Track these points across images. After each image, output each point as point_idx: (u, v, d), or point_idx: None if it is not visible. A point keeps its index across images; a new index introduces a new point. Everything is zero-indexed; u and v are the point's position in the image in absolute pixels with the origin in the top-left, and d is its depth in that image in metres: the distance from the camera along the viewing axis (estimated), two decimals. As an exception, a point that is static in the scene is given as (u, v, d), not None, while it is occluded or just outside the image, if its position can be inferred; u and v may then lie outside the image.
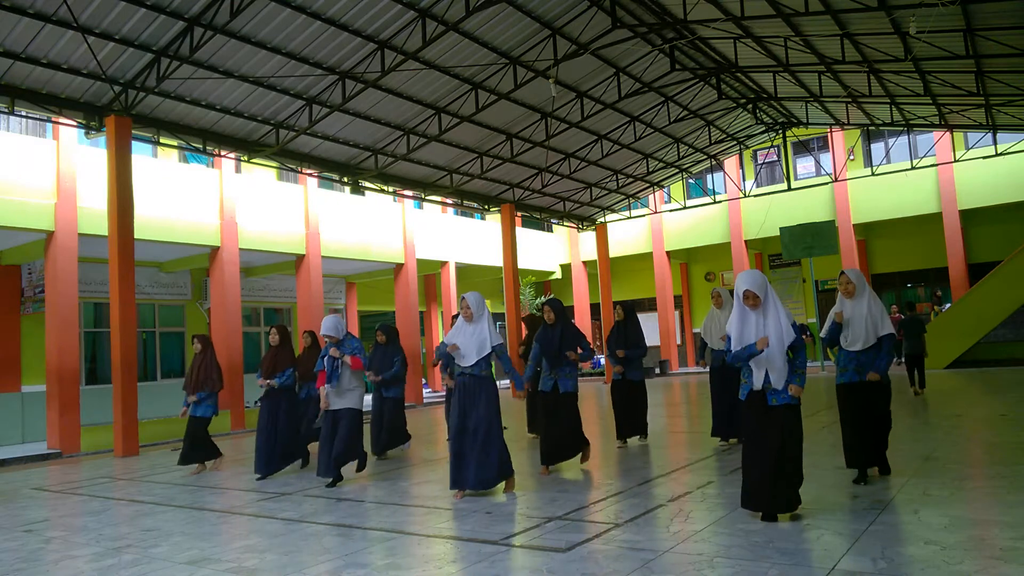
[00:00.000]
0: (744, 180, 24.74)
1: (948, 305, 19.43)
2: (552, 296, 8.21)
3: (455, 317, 10.45)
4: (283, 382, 8.29)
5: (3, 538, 5.71)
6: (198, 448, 8.81)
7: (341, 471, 7.33)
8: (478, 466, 6.17)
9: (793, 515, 4.84)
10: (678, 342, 26.70)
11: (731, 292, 8.46)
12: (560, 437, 7.23)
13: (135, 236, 11.69)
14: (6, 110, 11.11)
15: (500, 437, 6.32)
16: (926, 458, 6.61)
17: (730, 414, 8.08)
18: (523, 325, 9.57)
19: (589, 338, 22.67)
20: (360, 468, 7.62)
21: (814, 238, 19.76)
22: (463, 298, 6.48)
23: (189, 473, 8.75)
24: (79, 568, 4.68)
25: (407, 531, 5.17)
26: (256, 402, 17.44)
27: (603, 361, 23.57)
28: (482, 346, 6.31)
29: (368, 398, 12.54)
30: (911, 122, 19.45)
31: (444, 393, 21.37)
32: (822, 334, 6.11)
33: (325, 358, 7.29)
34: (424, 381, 22.38)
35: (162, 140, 13.53)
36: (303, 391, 9.02)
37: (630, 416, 8.71)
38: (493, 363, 6.54)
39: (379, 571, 4.21)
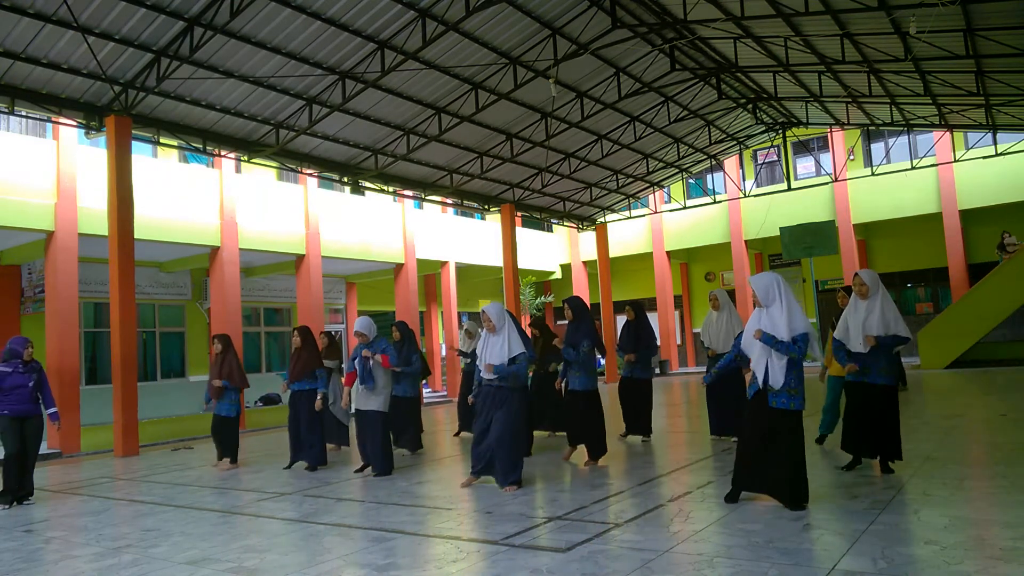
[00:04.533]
0: (744, 180, 24.73)
1: (1019, 246, 19.11)
2: (574, 295, 8.35)
3: (469, 333, 10.59)
4: (317, 385, 8.46)
5: (3, 538, 5.71)
6: (233, 444, 9.00)
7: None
8: (498, 463, 6.37)
9: (795, 513, 4.86)
10: (678, 342, 26.71)
11: (729, 295, 8.69)
12: (573, 425, 7.61)
13: (135, 236, 11.69)
14: (6, 110, 11.11)
15: (516, 444, 6.41)
16: (926, 458, 6.61)
17: (723, 413, 8.48)
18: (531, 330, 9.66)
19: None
20: (379, 474, 7.63)
21: (814, 238, 19.72)
22: (483, 311, 6.60)
23: (224, 467, 8.93)
24: (79, 568, 4.68)
25: (407, 531, 5.17)
26: (256, 402, 17.53)
27: (603, 361, 23.57)
28: (503, 358, 6.41)
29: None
30: (911, 122, 19.45)
31: (443, 392, 21.38)
32: (835, 335, 6.26)
33: (356, 360, 7.54)
34: (424, 381, 22.34)
35: (162, 140, 13.53)
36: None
37: (634, 413, 8.97)
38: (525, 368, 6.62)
39: (379, 571, 4.22)
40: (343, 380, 7.97)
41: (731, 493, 5.32)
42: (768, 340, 5.00)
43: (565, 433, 9.63)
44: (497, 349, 6.46)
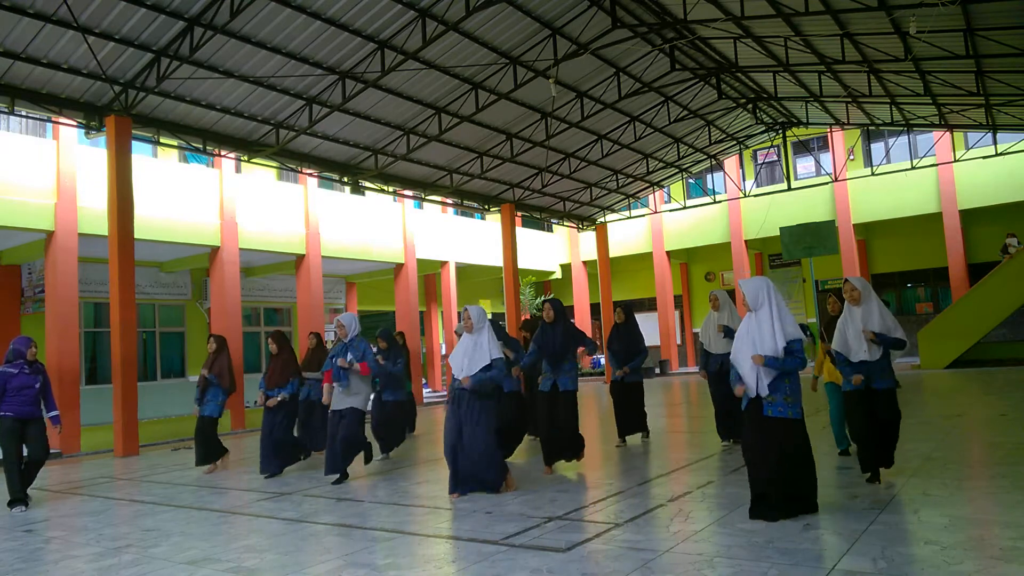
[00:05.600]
0: (744, 180, 24.73)
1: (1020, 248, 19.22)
2: (551, 296, 8.30)
3: (458, 334, 10.53)
4: (291, 393, 8.32)
5: (3, 538, 5.71)
6: (211, 447, 8.78)
7: (347, 470, 7.44)
8: (475, 474, 6.23)
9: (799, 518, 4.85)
10: (678, 342, 26.70)
11: (729, 294, 8.59)
12: (560, 437, 7.26)
13: (135, 236, 11.69)
14: (6, 110, 11.11)
15: (497, 453, 6.33)
16: (926, 458, 6.61)
17: (729, 415, 8.21)
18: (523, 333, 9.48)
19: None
20: (367, 460, 7.60)
21: (814, 238, 19.72)
22: (466, 309, 6.54)
23: (204, 472, 8.75)
24: (79, 568, 4.68)
25: (407, 531, 5.17)
26: (255, 402, 17.51)
27: (603, 361, 23.56)
28: (481, 360, 6.32)
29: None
30: (911, 122, 19.44)
31: (444, 392, 21.37)
32: (834, 347, 6.06)
33: (334, 359, 7.41)
34: (424, 381, 22.38)
35: (162, 140, 13.53)
36: (304, 391, 9.03)
37: (629, 416, 8.87)
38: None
39: (379, 571, 4.22)
40: (322, 380, 7.81)
41: (760, 511, 4.88)
42: (773, 363, 4.83)
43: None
44: (472, 351, 6.37)
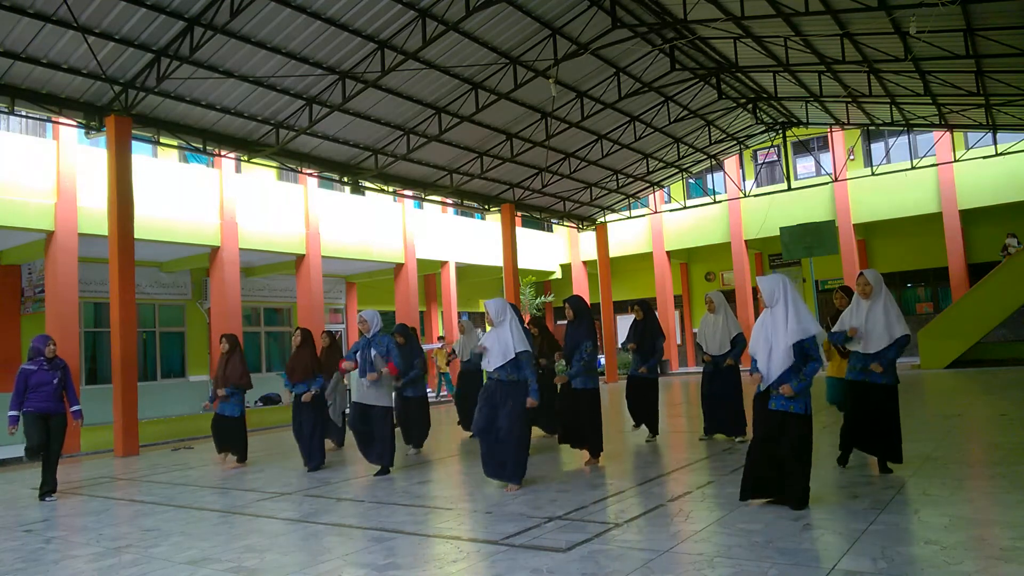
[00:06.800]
0: (744, 180, 24.73)
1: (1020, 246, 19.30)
2: (550, 295, 8.43)
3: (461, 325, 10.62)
4: (320, 387, 8.45)
5: (3, 538, 5.71)
6: (236, 442, 9.03)
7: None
8: (498, 459, 6.39)
9: (795, 513, 4.86)
10: (678, 342, 26.71)
11: (727, 295, 8.69)
12: (571, 424, 7.57)
13: (135, 236, 11.69)
14: (6, 110, 11.11)
15: (521, 442, 6.41)
16: (926, 458, 6.60)
17: (714, 413, 8.56)
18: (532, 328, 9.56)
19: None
20: (382, 472, 7.64)
21: (814, 238, 19.71)
22: (485, 305, 6.67)
23: (229, 466, 8.97)
24: (79, 568, 4.68)
25: (407, 531, 5.17)
26: (256, 402, 17.54)
27: (603, 361, 23.57)
28: (505, 352, 6.40)
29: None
30: (911, 122, 19.44)
31: (444, 392, 21.37)
32: (832, 330, 6.26)
33: (357, 352, 7.59)
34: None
35: (162, 140, 13.53)
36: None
37: (641, 410, 9.01)
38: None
39: (379, 571, 4.22)
40: (339, 365, 7.98)
41: (743, 493, 5.23)
42: (800, 387, 4.92)
43: (555, 434, 9.62)
44: (497, 343, 6.47)
